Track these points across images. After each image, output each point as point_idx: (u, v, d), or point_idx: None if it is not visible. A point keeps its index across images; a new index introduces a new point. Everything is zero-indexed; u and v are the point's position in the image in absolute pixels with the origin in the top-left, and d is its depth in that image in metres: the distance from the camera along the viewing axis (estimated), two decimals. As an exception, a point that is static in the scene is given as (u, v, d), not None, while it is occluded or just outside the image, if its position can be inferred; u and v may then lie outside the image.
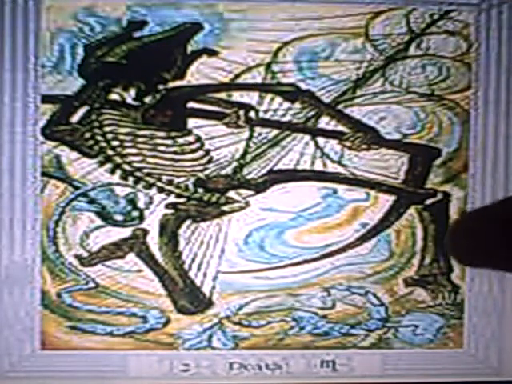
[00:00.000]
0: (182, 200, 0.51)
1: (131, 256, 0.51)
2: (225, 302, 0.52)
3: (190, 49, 0.50)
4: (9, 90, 0.49)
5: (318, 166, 0.51)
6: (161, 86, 0.50)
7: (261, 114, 0.51)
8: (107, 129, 0.50)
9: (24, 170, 0.50)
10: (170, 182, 0.51)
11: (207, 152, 0.51)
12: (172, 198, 0.51)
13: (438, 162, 0.52)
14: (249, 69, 0.50)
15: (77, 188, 0.50)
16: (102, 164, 0.50)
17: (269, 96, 0.51)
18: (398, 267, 0.52)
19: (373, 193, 0.52)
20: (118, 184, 0.51)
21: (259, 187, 0.51)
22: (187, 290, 0.52)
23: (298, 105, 0.51)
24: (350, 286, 0.52)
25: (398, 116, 0.51)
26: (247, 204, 0.51)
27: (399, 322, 0.53)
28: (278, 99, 0.51)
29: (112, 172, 0.50)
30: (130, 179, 0.51)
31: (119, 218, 0.51)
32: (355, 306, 0.52)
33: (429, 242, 0.53)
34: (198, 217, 0.51)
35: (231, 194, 0.51)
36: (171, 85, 0.50)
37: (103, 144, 0.50)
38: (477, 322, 0.53)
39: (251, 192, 0.51)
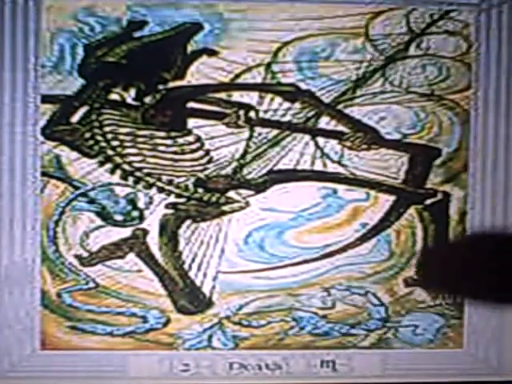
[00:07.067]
0: (182, 200, 0.51)
1: (131, 256, 0.51)
2: (225, 302, 0.52)
3: (189, 49, 0.50)
4: (9, 90, 0.49)
5: (318, 166, 0.51)
6: (161, 86, 0.50)
7: (261, 114, 0.51)
8: (107, 129, 0.50)
9: (24, 170, 0.50)
10: (170, 182, 0.51)
11: (207, 152, 0.51)
12: (172, 198, 0.51)
13: (438, 162, 0.52)
14: (249, 69, 0.50)
15: (77, 188, 0.50)
16: (102, 164, 0.50)
17: (269, 96, 0.51)
18: (398, 267, 0.52)
19: (373, 193, 0.52)
20: (118, 184, 0.51)
21: (259, 187, 0.51)
22: (187, 290, 0.52)
23: (297, 105, 0.51)
24: (350, 285, 0.52)
25: (398, 116, 0.51)
26: (247, 204, 0.51)
27: (399, 322, 0.53)
28: (278, 99, 0.51)
29: (112, 172, 0.50)
30: (130, 179, 0.51)
31: (119, 217, 0.51)
32: (355, 306, 0.53)
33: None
34: (198, 217, 0.51)
35: (231, 193, 0.51)
36: (171, 85, 0.50)
37: (103, 144, 0.50)
38: (477, 322, 0.53)
39: (251, 192, 0.51)
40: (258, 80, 0.51)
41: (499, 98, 0.51)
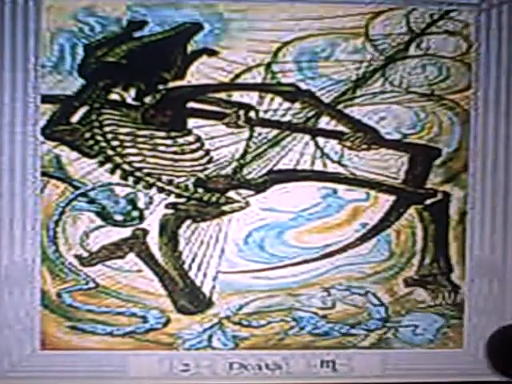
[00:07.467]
0: (182, 200, 0.51)
1: (131, 256, 0.51)
2: (225, 302, 0.52)
3: (189, 49, 0.50)
4: (9, 90, 0.49)
5: (318, 166, 0.51)
6: (161, 86, 0.50)
7: (261, 114, 0.51)
8: (107, 129, 0.50)
9: (24, 169, 0.50)
10: (169, 182, 0.51)
11: (207, 152, 0.51)
12: (172, 198, 0.51)
13: (438, 162, 0.52)
14: (249, 69, 0.50)
15: (77, 188, 0.50)
16: (102, 164, 0.50)
17: (269, 96, 0.51)
18: (398, 267, 0.52)
19: (373, 193, 0.52)
20: (118, 184, 0.51)
21: (259, 187, 0.51)
22: (187, 290, 0.52)
23: (298, 105, 0.51)
24: (350, 285, 0.52)
25: (398, 116, 0.51)
26: (247, 204, 0.51)
27: (399, 322, 0.53)
28: (278, 99, 0.51)
29: (112, 172, 0.50)
30: (130, 179, 0.51)
31: (119, 217, 0.51)
32: (355, 306, 0.53)
33: (429, 242, 0.53)
34: (198, 217, 0.51)
35: (231, 193, 0.51)
36: (171, 85, 0.50)
37: (103, 144, 0.50)
38: (477, 322, 0.53)
39: (251, 192, 0.51)
40: (258, 80, 0.50)
41: (499, 97, 0.51)
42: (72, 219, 0.51)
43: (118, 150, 0.50)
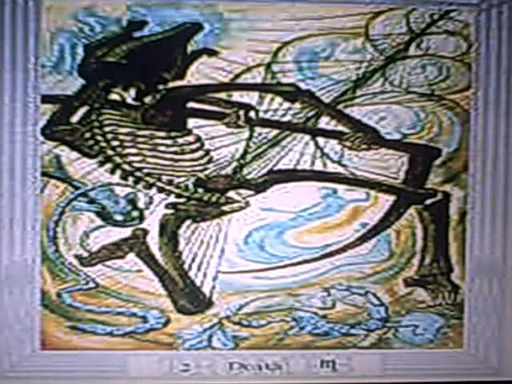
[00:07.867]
0: (182, 200, 0.51)
1: (131, 256, 0.51)
2: (225, 302, 0.52)
3: (189, 49, 0.50)
4: (9, 90, 0.49)
5: (318, 166, 0.51)
6: (161, 86, 0.50)
7: (261, 114, 0.51)
8: (107, 129, 0.50)
9: (24, 170, 0.50)
10: (170, 182, 0.51)
11: (207, 152, 0.51)
12: (172, 198, 0.51)
13: (438, 162, 0.52)
14: (249, 69, 0.50)
15: (77, 188, 0.50)
16: (102, 164, 0.50)
17: (269, 96, 0.51)
18: (398, 267, 0.52)
19: (373, 193, 0.52)
20: (118, 184, 0.51)
21: (259, 187, 0.51)
22: (187, 290, 0.52)
23: (298, 105, 0.51)
24: (349, 285, 0.52)
25: (398, 116, 0.51)
26: (247, 204, 0.51)
27: (399, 322, 0.53)
28: (278, 99, 0.51)
29: (112, 172, 0.50)
30: (130, 179, 0.51)
31: (119, 217, 0.51)
32: (355, 306, 0.53)
33: (429, 242, 0.53)
34: (198, 217, 0.51)
35: (231, 194, 0.51)
36: (171, 85, 0.50)
37: (103, 144, 0.50)
38: (477, 321, 0.53)
39: (251, 192, 0.51)
40: (258, 80, 0.51)
41: (499, 97, 0.51)
42: (72, 219, 0.51)
43: (118, 149, 0.50)
